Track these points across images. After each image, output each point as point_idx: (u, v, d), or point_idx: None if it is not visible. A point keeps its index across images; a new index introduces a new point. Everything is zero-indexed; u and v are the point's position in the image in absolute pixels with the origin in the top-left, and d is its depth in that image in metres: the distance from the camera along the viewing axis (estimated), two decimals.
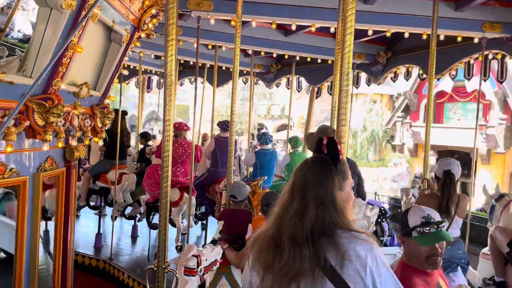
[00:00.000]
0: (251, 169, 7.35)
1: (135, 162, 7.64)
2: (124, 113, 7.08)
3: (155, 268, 2.85)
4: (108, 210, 7.72)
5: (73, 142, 3.54)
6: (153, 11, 3.98)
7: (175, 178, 5.85)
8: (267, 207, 3.59)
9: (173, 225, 6.21)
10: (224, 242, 3.75)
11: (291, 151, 7.39)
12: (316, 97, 10.05)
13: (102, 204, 7.52)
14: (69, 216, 3.58)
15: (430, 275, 1.97)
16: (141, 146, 7.94)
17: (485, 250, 4.90)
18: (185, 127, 6.22)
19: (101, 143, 4.20)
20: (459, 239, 3.69)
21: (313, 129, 29.95)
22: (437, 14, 4.36)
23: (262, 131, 8.88)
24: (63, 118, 3.06)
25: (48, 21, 2.74)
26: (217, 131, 7.49)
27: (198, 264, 3.00)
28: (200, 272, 3.03)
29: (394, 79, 7.82)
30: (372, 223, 3.43)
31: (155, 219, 6.76)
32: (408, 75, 7.59)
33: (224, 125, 6.43)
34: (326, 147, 1.60)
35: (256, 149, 7.12)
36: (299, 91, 9.86)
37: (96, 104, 3.87)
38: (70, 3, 2.70)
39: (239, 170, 7.10)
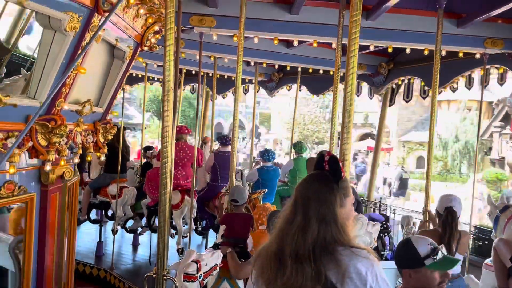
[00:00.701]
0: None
1: (138, 176, 7.64)
2: (124, 128, 7.12)
3: (154, 275, 2.84)
4: (109, 222, 7.73)
5: (76, 159, 3.57)
6: (156, 27, 4.01)
7: (176, 181, 5.87)
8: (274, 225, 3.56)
9: (174, 228, 6.22)
10: (226, 245, 3.74)
11: (295, 156, 7.44)
12: (390, 105, 8.88)
13: (103, 218, 7.52)
14: (45, 248, 3.27)
15: None
16: (145, 161, 7.93)
17: (488, 261, 4.85)
18: (186, 131, 6.23)
19: (102, 158, 4.21)
20: (460, 275, 3.69)
21: (394, 139, 27.67)
22: (441, 31, 4.37)
23: (265, 147, 8.87)
24: (66, 137, 3.09)
25: (52, 43, 2.78)
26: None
27: (198, 269, 3.01)
28: (199, 278, 3.03)
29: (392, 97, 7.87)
30: (374, 238, 3.42)
31: (157, 223, 6.75)
32: (408, 96, 7.62)
33: (223, 140, 6.43)
34: (328, 164, 1.62)
35: (259, 166, 7.12)
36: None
37: (99, 120, 3.90)
38: (73, 26, 2.74)
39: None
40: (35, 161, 3.07)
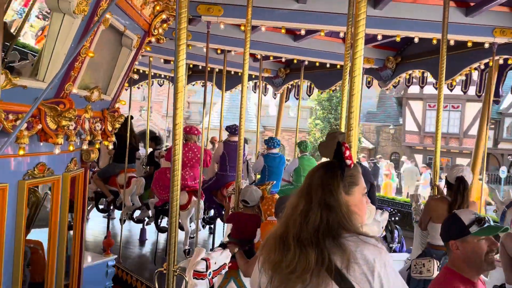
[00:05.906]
0: (258, 176, 7.32)
1: (144, 166, 7.69)
2: (131, 117, 7.17)
3: (164, 271, 2.83)
4: (117, 213, 7.76)
5: (84, 146, 3.58)
6: (164, 16, 4.02)
7: (184, 181, 5.88)
8: (282, 212, 3.55)
9: (181, 228, 6.24)
10: (233, 245, 3.72)
11: (299, 155, 7.42)
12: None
13: (111, 207, 7.57)
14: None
15: (476, 285, 1.91)
16: (150, 150, 7.99)
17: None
18: (195, 132, 6.25)
19: (110, 146, 4.24)
20: None
21: None
22: (447, 20, 4.33)
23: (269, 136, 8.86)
24: (74, 122, 3.09)
25: (61, 26, 2.78)
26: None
27: (207, 267, 2.99)
28: (209, 276, 3.01)
29: (409, 84, 7.85)
30: (382, 227, 3.37)
31: (164, 223, 6.80)
32: (409, 81, 7.58)
33: (233, 129, 6.44)
34: (336, 153, 1.62)
35: (264, 153, 7.12)
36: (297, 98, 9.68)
37: (107, 108, 3.92)
38: (82, 8, 2.75)
39: (247, 175, 7.11)
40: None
